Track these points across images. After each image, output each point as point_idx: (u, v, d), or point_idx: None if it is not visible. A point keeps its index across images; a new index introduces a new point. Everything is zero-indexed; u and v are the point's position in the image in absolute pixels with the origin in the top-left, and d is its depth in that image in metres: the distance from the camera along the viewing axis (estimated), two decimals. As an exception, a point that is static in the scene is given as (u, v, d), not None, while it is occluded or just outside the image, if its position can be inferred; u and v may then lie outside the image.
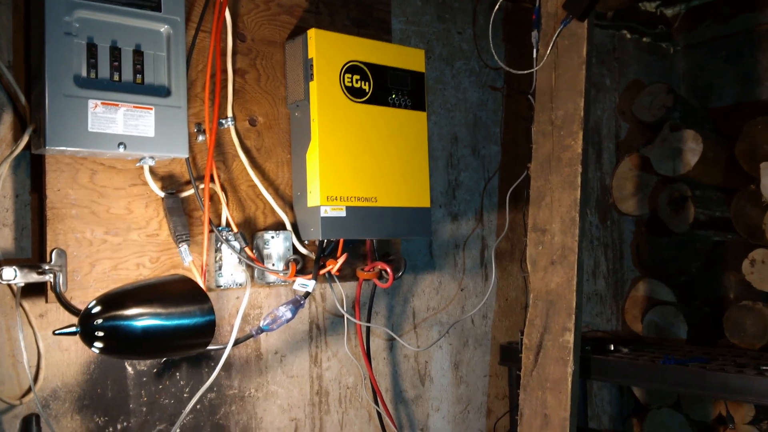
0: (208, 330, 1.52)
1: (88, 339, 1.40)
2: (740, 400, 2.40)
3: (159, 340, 1.45)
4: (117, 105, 1.51)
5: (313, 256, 1.89)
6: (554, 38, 2.21)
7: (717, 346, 2.77)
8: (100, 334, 1.38)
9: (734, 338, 2.71)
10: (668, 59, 3.34)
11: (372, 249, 2.04)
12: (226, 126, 1.81)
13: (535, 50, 2.29)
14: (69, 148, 1.46)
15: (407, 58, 2.05)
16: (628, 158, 2.99)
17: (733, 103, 3.14)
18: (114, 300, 1.41)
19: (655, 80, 3.13)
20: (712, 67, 3.24)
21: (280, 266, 1.82)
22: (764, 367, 2.04)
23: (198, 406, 1.80)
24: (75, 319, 1.43)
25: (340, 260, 1.87)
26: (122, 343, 1.42)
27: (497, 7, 2.36)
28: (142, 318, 1.41)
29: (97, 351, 1.40)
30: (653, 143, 2.86)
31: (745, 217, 2.75)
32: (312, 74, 1.83)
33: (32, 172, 1.59)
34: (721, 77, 3.21)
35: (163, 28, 1.61)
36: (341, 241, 1.91)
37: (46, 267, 1.48)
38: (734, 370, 2.05)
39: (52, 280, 1.48)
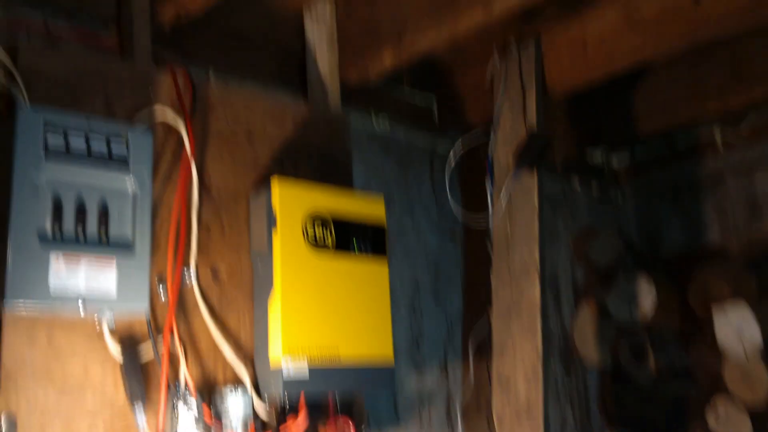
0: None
1: None
2: None
3: None
4: (79, 262, 1.50)
5: (273, 416, 1.83)
6: (506, 188, 2.30)
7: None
8: None
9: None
10: (618, 206, 3.50)
11: (334, 403, 1.99)
12: (188, 282, 1.79)
13: (489, 198, 2.39)
14: (29, 304, 1.43)
15: (368, 205, 2.09)
16: (587, 305, 3.05)
17: (683, 247, 3.28)
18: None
19: (606, 226, 3.26)
20: (659, 214, 3.40)
21: (239, 425, 1.75)
22: None
23: None
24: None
25: (302, 423, 1.81)
26: None
27: (451, 158, 2.47)
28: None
29: None
30: (609, 289, 2.93)
31: (705, 365, 2.79)
32: (275, 225, 1.85)
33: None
34: (668, 223, 3.36)
35: (130, 186, 1.63)
36: (302, 395, 1.86)
37: (-7, 433, 1.40)
38: None
39: (-3, 448, 1.39)
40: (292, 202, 1.89)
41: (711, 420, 2.71)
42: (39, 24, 1.84)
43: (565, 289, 3.10)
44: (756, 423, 2.65)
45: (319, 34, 2.33)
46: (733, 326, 2.67)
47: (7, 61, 1.61)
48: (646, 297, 2.81)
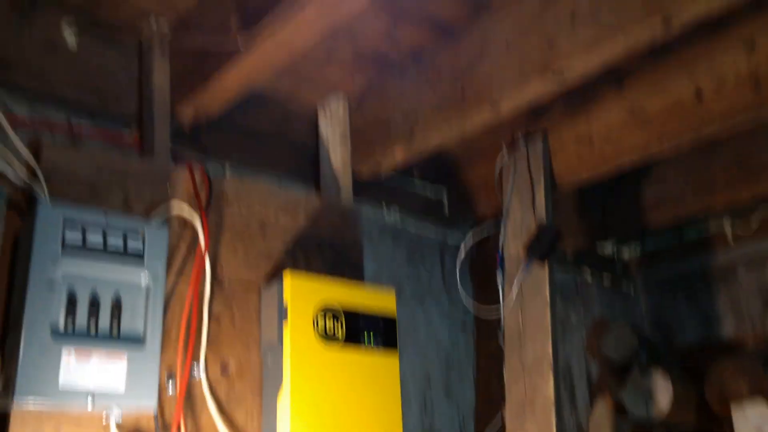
0: None
1: None
2: None
3: None
4: (90, 357, 1.51)
5: None
6: (517, 280, 2.31)
7: None
8: None
9: None
10: (630, 298, 3.48)
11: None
12: (197, 376, 1.79)
13: (500, 291, 2.38)
14: (38, 402, 1.43)
15: (379, 298, 2.10)
16: (602, 401, 2.97)
17: (697, 340, 3.23)
18: None
19: (619, 318, 3.23)
20: (672, 306, 3.37)
21: None
22: None
23: None
24: None
25: None
26: None
27: (462, 250, 2.49)
28: None
29: None
30: (625, 384, 2.87)
31: (726, 464, 2.70)
32: (286, 318, 1.86)
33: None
34: (682, 316, 3.33)
35: (144, 279, 1.65)
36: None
37: None
38: None
39: None
40: (303, 295, 1.90)
41: None
42: (62, 123, 1.91)
43: (580, 383, 3.05)
44: None
45: (332, 130, 2.40)
46: (752, 424, 2.60)
47: (30, 159, 1.67)
48: (663, 393, 2.75)
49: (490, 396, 2.64)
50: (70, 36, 1.92)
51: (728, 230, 3.24)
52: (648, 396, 2.79)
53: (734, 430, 2.65)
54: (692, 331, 3.29)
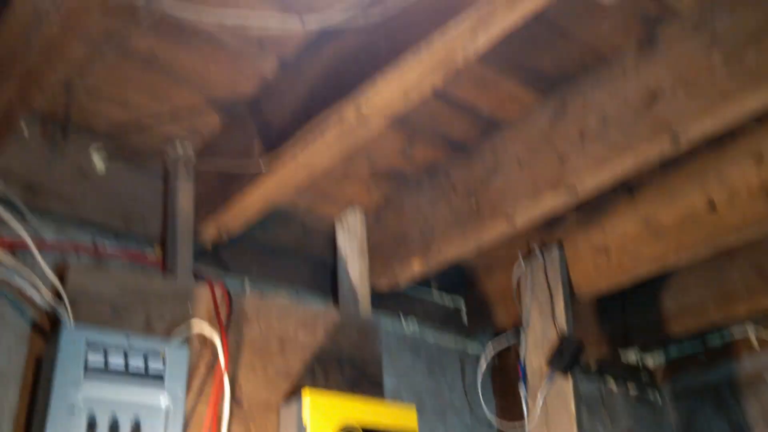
0: None
1: None
2: None
3: None
4: (107, 483, 1.49)
5: None
6: (541, 393, 2.27)
7: None
8: None
9: None
10: (657, 407, 3.38)
11: None
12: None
13: (524, 404, 2.34)
14: None
15: (400, 415, 2.06)
16: None
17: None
18: None
19: (647, 428, 3.13)
20: (701, 417, 3.27)
21: None
22: None
23: None
24: None
25: None
26: None
27: (483, 362, 2.46)
28: None
29: None
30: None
31: None
32: (306, 441, 1.83)
33: None
34: (711, 425, 3.22)
35: (164, 401, 1.65)
36: None
37: None
38: None
39: None
40: (323, 414, 1.88)
41: None
42: (88, 245, 1.97)
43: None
44: None
45: (350, 244, 2.45)
46: None
47: (56, 282, 1.72)
48: None
49: None
50: (98, 161, 2.01)
51: (753, 336, 3.18)
52: None
53: None
54: (723, 441, 3.18)
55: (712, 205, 2.26)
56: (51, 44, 1.27)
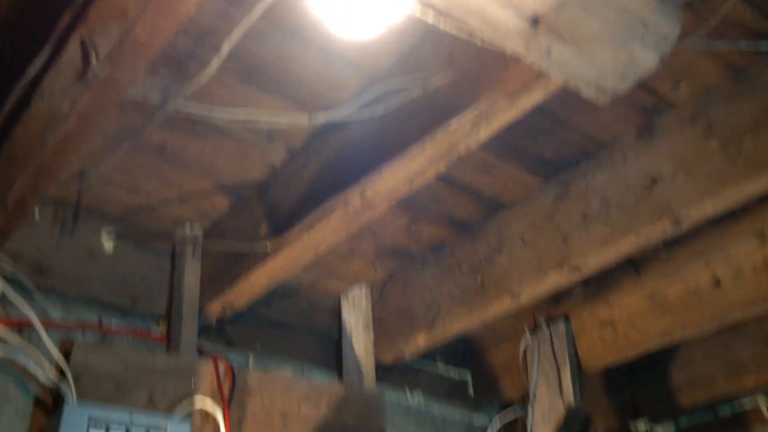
0: None
1: None
2: None
3: None
4: None
5: None
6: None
7: None
8: None
9: None
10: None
11: None
12: None
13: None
14: None
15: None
16: None
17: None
18: None
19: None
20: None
21: None
22: None
23: None
24: None
25: None
26: None
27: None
28: None
29: None
30: None
31: None
32: None
33: None
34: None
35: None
36: None
37: None
38: None
39: None
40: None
41: None
42: (94, 323, 1.99)
43: None
44: None
45: (355, 319, 2.45)
46: None
47: (61, 361, 1.73)
48: None
49: None
50: (107, 242, 2.05)
51: (763, 407, 3.13)
52: None
53: None
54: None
55: (717, 282, 2.26)
56: (66, 141, 1.31)
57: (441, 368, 2.81)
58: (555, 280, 2.10)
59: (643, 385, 3.05)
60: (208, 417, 1.89)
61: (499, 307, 2.24)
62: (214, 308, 2.13)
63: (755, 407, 3.18)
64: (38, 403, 1.79)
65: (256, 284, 2.07)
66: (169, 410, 1.83)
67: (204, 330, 2.15)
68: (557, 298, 2.53)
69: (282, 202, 1.91)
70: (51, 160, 1.36)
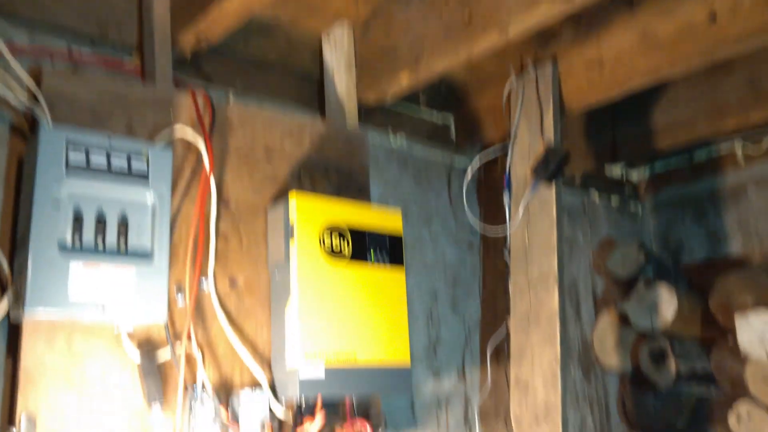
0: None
1: None
2: None
3: None
4: (99, 270, 1.57)
5: (290, 416, 1.87)
6: (524, 200, 2.33)
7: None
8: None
9: (727, 495, 2.62)
10: (638, 218, 3.49)
11: (351, 407, 2.02)
12: (206, 290, 1.86)
13: (507, 211, 2.41)
14: (49, 311, 1.50)
15: (385, 219, 2.13)
16: (607, 314, 3.04)
17: (704, 259, 3.25)
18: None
19: (626, 238, 3.25)
20: (680, 226, 3.38)
21: (257, 426, 1.80)
22: None
23: None
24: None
25: (319, 423, 1.85)
26: None
27: (469, 172, 2.51)
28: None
29: None
30: (630, 298, 2.92)
31: (727, 369, 2.76)
32: (293, 237, 1.91)
33: (9, 336, 1.61)
34: (690, 235, 3.34)
35: (150, 199, 1.70)
36: (319, 397, 1.89)
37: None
38: None
39: (19, 446, 1.46)
40: (309, 214, 1.94)
41: (732, 422, 2.68)
42: (63, 51, 1.94)
43: (585, 299, 3.10)
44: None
45: (337, 58, 2.40)
46: (756, 331, 2.64)
47: (32, 84, 1.70)
48: (667, 304, 2.79)
49: (495, 311, 2.70)
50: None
51: (739, 151, 3.21)
52: (653, 308, 2.83)
53: (737, 337, 2.69)
54: (700, 249, 3.30)
55: (713, 16, 2.19)
56: None
57: (424, 112, 2.82)
58: (546, 9, 2.01)
59: (624, 128, 3.10)
60: (189, 147, 1.91)
61: (486, 43, 2.18)
62: (188, 39, 2.07)
63: (731, 152, 3.26)
64: (14, 129, 1.79)
65: (229, 13, 1.99)
66: (149, 139, 1.83)
67: (180, 64, 2.11)
68: (546, 39, 2.47)
69: None
70: None
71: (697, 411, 2.97)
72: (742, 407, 2.67)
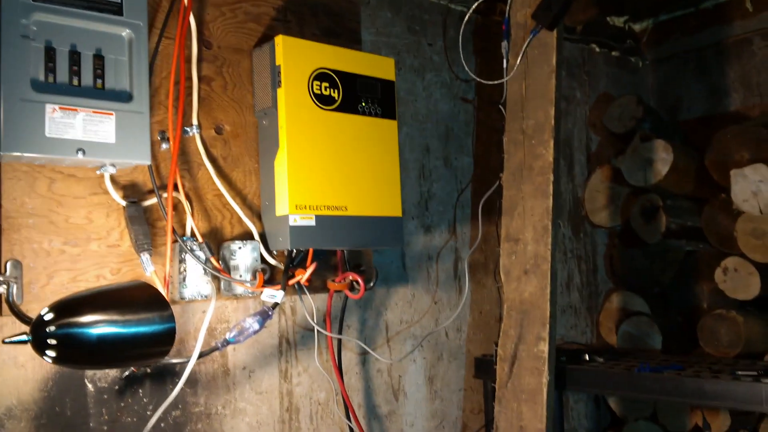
0: (167, 338, 1.46)
1: (40, 347, 1.33)
2: (716, 405, 2.39)
3: (115, 348, 1.39)
4: (76, 110, 1.47)
5: (281, 266, 1.85)
6: (524, 48, 2.21)
7: (692, 355, 2.77)
8: (53, 342, 1.32)
9: (709, 347, 2.70)
10: (637, 73, 3.38)
11: (343, 260, 2.01)
12: (191, 134, 1.77)
13: (505, 60, 2.29)
14: (26, 154, 1.41)
15: (377, 66, 2.02)
16: (600, 170, 3.00)
17: (702, 115, 3.18)
18: (68, 307, 1.35)
19: (624, 93, 3.15)
20: (680, 81, 3.28)
21: (248, 277, 1.77)
22: (739, 373, 2.02)
23: (162, 425, 1.74)
24: (30, 332, 1.37)
25: (310, 269, 1.83)
26: (75, 352, 1.36)
27: (466, 19, 2.36)
28: (98, 325, 1.35)
29: (49, 360, 1.34)
30: (624, 154, 2.87)
31: (717, 225, 2.77)
32: (280, 81, 1.80)
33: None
34: (689, 90, 3.24)
35: (125, 33, 1.57)
36: (311, 251, 1.86)
37: (0, 278, 1.42)
38: (710, 376, 2.03)
39: (5, 291, 1.42)
40: (297, 59, 1.83)
41: (719, 276, 2.72)
42: None
43: (579, 155, 3.05)
44: (765, 281, 2.65)
45: None
46: (751, 185, 2.63)
47: None
48: (662, 160, 2.75)
49: (488, 165, 2.65)
50: None
51: (748, 1, 3.05)
52: (647, 164, 2.80)
53: (731, 189, 2.67)
54: (699, 104, 3.22)
55: None
56: None
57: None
58: None
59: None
60: (168, -14, 1.75)
61: None
62: None
63: (740, 1, 3.09)
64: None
65: None
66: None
67: None
68: None
69: None
70: None
71: (683, 267, 3.01)
72: (730, 262, 2.70)
